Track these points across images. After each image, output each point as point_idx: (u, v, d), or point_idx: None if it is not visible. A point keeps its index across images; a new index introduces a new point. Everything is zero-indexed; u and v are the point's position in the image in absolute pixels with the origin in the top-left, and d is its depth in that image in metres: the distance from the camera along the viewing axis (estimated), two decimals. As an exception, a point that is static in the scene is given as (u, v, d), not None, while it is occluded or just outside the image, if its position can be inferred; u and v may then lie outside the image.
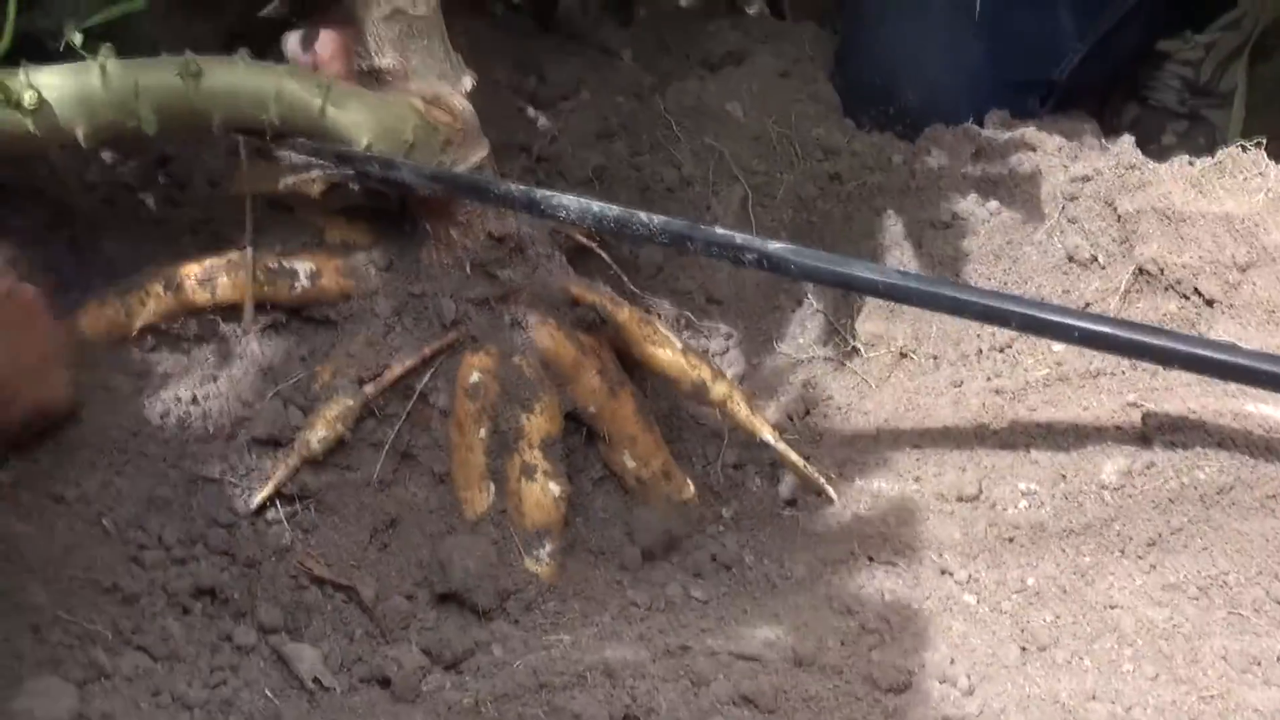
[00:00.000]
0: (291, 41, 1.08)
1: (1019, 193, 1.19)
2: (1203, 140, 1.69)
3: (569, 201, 0.95)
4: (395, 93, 1.04)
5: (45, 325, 1.00)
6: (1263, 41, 1.60)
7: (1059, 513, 0.97)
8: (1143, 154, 1.27)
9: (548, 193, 0.97)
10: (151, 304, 1.10)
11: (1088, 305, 1.09)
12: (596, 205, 0.94)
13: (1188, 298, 1.01)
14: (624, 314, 1.13)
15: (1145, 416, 0.96)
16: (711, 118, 1.44)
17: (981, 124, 1.39)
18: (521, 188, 0.98)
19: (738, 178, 1.42)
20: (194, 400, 1.08)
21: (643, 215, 0.93)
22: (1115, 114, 1.74)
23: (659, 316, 1.17)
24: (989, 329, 1.12)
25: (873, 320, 1.21)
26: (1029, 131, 1.27)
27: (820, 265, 0.88)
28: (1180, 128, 1.75)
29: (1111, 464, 0.96)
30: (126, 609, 0.98)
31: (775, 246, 0.89)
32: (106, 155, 1.18)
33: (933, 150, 1.33)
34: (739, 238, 0.90)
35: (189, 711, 0.93)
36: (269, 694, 0.96)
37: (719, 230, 0.91)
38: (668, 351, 1.12)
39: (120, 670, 0.93)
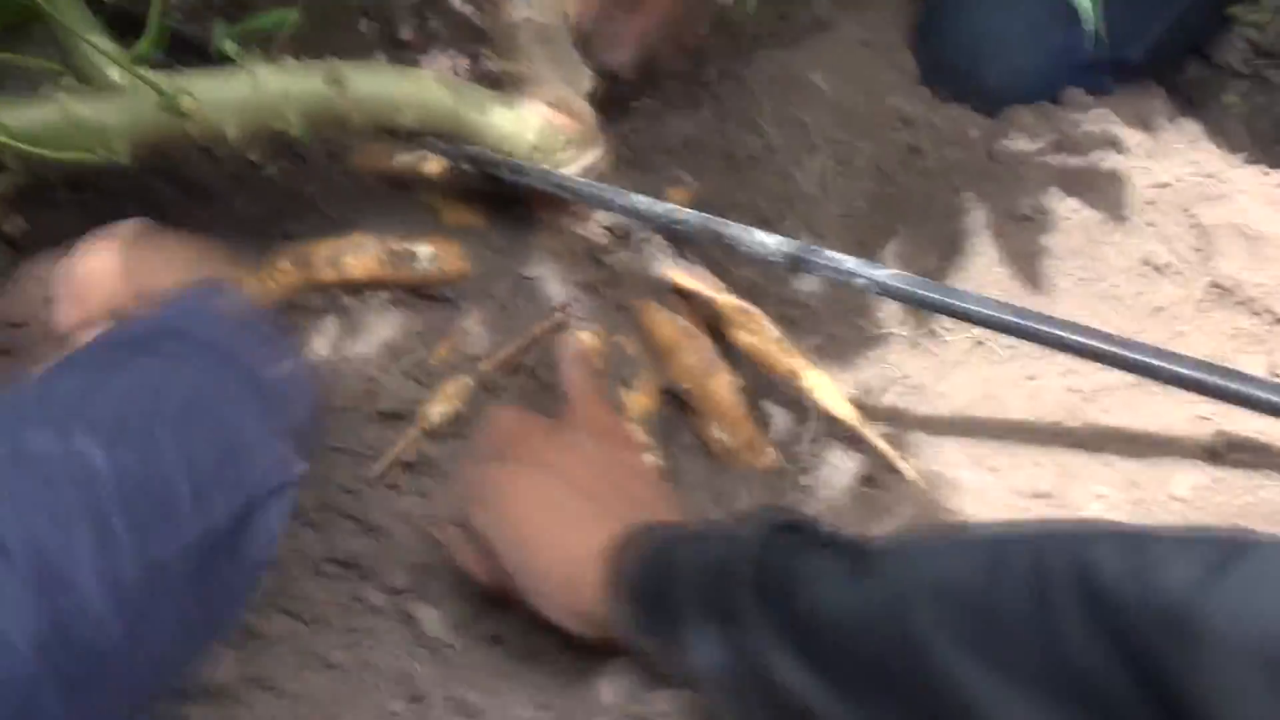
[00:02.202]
0: None
1: (1100, 192, 1.24)
2: (1262, 99, 1.73)
3: (690, 216, 1.02)
4: (521, 96, 1.10)
5: None
6: (1334, 8, 1.63)
7: (1130, 519, 1.05)
8: (1200, 121, 1.32)
9: (671, 206, 1.03)
10: (280, 279, 1.17)
11: (1160, 310, 1.16)
12: (715, 223, 1.01)
13: (1259, 315, 1.08)
14: (722, 300, 1.20)
15: (1216, 433, 1.04)
16: (795, 87, 1.49)
17: (1056, 101, 1.43)
18: (645, 199, 1.04)
19: (819, 147, 1.47)
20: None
21: (760, 234, 0.99)
22: (1177, 70, 1.77)
23: (753, 304, 1.23)
24: (1065, 323, 1.18)
25: (951, 304, 1.28)
26: (1109, 123, 1.31)
27: (928, 294, 0.95)
28: (1242, 88, 1.78)
29: (1183, 475, 1.04)
30: (272, 574, 1.07)
31: (884, 273, 0.96)
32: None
33: (1010, 132, 1.38)
34: (850, 262, 0.97)
35: (332, 670, 1.02)
36: (402, 653, 1.06)
37: (831, 254, 0.98)
38: (761, 339, 1.20)
39: (271, 633, 1.03)
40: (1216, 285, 1.12)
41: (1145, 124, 1.35)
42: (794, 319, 1.41)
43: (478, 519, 1.02)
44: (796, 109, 1.48)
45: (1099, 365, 1.13)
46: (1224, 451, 1.03)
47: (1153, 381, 1.03)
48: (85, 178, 1.18)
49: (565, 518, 1.00)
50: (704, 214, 1.01)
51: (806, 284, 1.42)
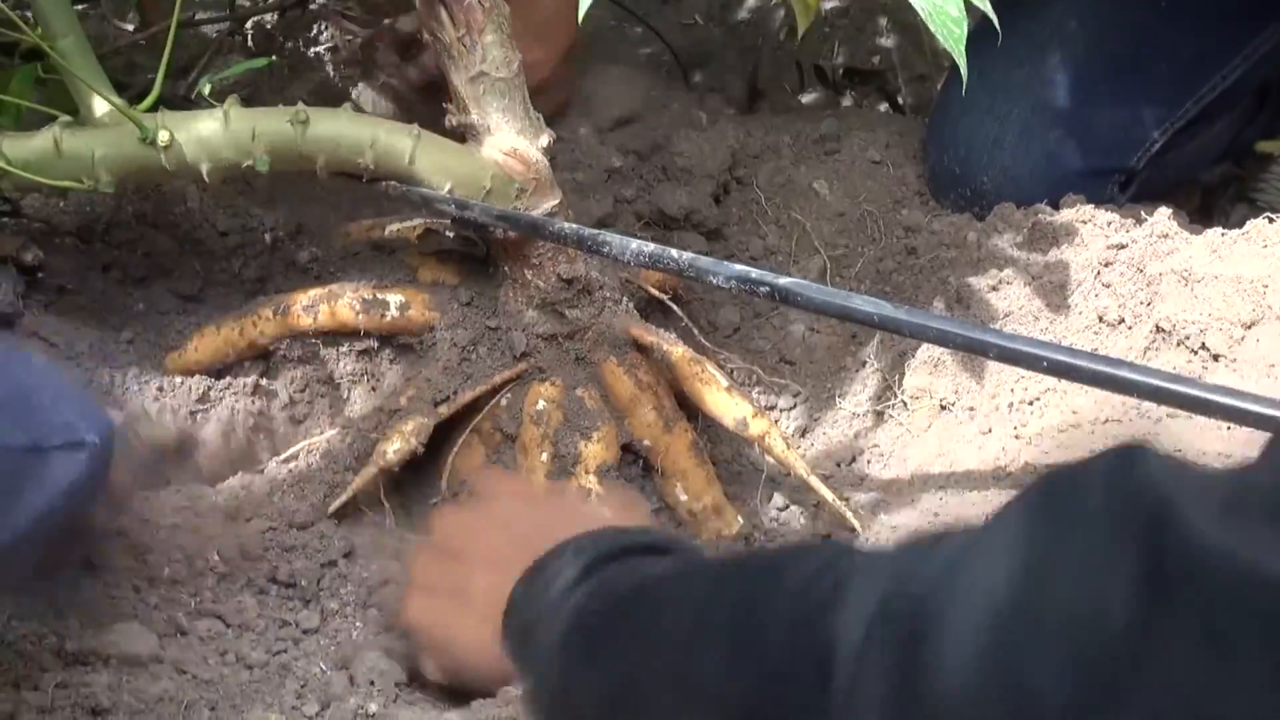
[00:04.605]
0: None
1: (1061, 259, 1.25)
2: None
3: (612, 238, 1.07)
4: (476, 144, 1.18)
5: None
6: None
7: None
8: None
9: (594, 230, 1.08)
10: (262, 327, 1.25)
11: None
12: (634, 242, 1.06)
13: (1196, 352, 1.07)
14: (677, 354, 1.24)
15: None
16: (799, 195, 1.55)
17: (1056, 207, 1.45)
18: (572, 226, 1.10)
19: (818, 250, 1.52)
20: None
21: (673, 251, 1.04)
22: (1224, 215, 1.77)
23: (720, 366, 1.26)
24: (1022, 384, 1.18)
25: (919, 376, 1.28)
26: (1084, 209, 1.33)
27: (824, 299, 0.97)
28: (1288, 231, 1.77)
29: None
30: (214, 586, 1.11)
31: (785, 280, 0.99)
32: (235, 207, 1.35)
33: (999, 226, 1.41)
34: (754, 272, 1.00)
35: (250, 670, 1.05)
36: (322, 667, 1.08)
37: (737, 265, 1.01)
38: (712, 388, 1.22)
39: (196, 631, 1.06)
40: (1159, 329, 1.11)
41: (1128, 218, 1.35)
42: (783, 406, 1.44)
43: (421, 664, 1.04)
44: (798, 214, 1.54)
45: (1046, 416, 1.13)
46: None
47: (1088, 398, 1.03)
48: (93, 229, 1.29)
49: (478, 587, 0.96)
50: (624, 236, 1.06)
51: (797, 374, 1.45)
